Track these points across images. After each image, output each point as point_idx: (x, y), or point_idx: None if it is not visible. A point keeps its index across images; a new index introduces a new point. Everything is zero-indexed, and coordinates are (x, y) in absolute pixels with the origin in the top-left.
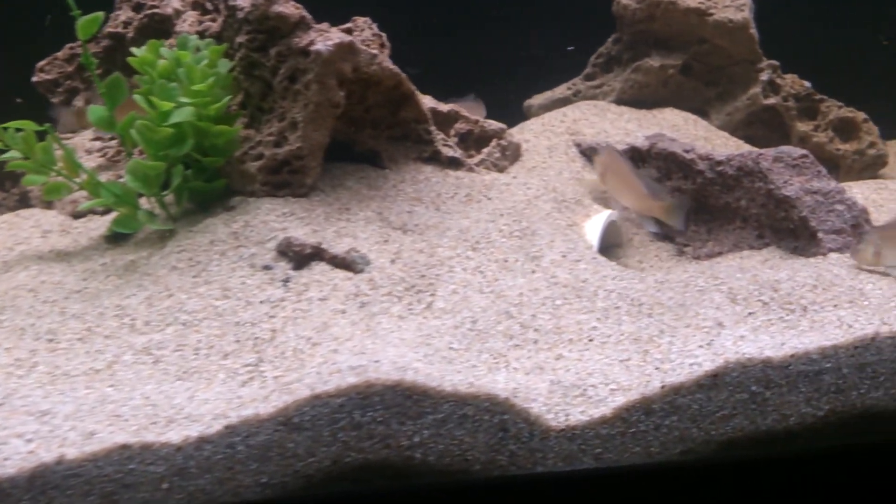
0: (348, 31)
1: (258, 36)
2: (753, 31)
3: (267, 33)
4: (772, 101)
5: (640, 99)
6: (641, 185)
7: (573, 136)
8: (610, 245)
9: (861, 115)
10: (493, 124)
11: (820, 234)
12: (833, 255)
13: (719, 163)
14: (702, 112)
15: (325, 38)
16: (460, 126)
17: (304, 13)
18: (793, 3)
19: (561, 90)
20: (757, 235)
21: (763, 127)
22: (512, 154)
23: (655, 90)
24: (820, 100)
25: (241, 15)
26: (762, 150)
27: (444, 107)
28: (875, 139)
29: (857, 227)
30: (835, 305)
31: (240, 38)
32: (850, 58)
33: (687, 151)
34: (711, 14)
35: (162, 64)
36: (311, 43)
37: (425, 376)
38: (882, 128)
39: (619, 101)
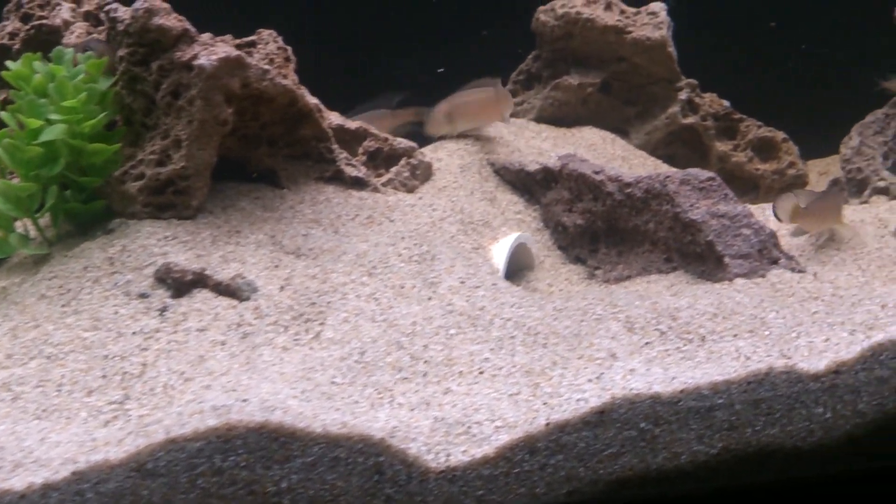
0: (252, 45)
1: (139, 49)
2: (671, 49)
3: (148, 46)
4: (690, 120)
5: (559, 117)
6: (491, 90)
7: (487, 155)
8: (520, 268)
9: (780, 135)
10: (403, 142)
11: (726, 259)
12: (739, 281)
13: (628, 185)
14: (621, 131)
15: (210, 52)
16: (369, 144)
17: (188, 26)
18: (712, 21)
19: None
20: (665, 259)
21: (682, 146)
22: (422, 173)
23: (575, 108)
24: (739, 119)
25: (121, 27)
26: (670, 172)
27: (353, 124)
28: (794, 159)
29: (763, 252)
30: (734, 335)
31: (121, 52)
32: (770, 77)
33: (597, 173)
34: (629, 32)
35: (36, 79)
36: (195, 57)
37: (295, 416)
38: (802, 148)
39: (539, 119)
